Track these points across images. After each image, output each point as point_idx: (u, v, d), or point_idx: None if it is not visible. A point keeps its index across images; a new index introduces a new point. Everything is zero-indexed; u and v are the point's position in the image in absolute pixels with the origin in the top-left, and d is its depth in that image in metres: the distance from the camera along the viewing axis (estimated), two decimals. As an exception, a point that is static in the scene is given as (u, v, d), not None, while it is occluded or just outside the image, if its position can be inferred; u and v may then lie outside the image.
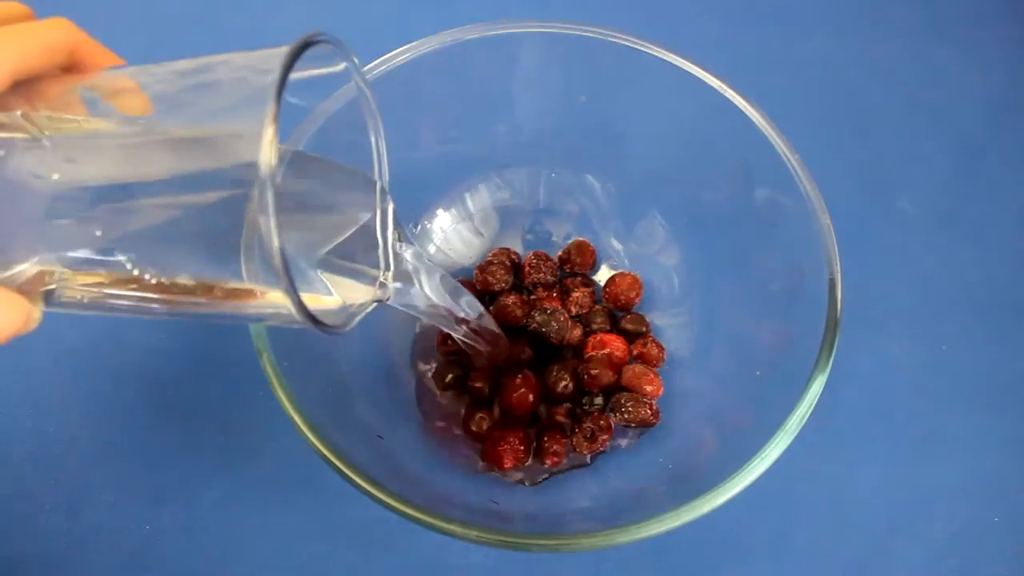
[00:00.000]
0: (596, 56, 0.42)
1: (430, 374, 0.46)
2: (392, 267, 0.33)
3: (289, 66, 0.22)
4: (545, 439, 0.43)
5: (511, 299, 0.46)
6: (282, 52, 0.23)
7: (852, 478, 0.45)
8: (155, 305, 0.25)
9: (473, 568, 0.42)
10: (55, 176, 0.24)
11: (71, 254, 0.24)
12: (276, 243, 0.21)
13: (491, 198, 0.50)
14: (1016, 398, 0.47)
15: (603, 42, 0.42)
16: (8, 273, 0.24)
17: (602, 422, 0.43)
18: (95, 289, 0.25)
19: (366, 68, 0.36)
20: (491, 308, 0.46)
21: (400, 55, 0.41)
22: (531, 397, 0.43)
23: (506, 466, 0.42)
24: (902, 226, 0.53)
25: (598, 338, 0.46)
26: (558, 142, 0.48)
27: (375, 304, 0.32)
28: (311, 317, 0.24)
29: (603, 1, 0.58)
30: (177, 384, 0.47)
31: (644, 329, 0.47)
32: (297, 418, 0.33)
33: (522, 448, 0.42)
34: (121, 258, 0.24)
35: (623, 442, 0.44)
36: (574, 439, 0.43)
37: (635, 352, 0.46)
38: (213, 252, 0.24)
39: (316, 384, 0.37)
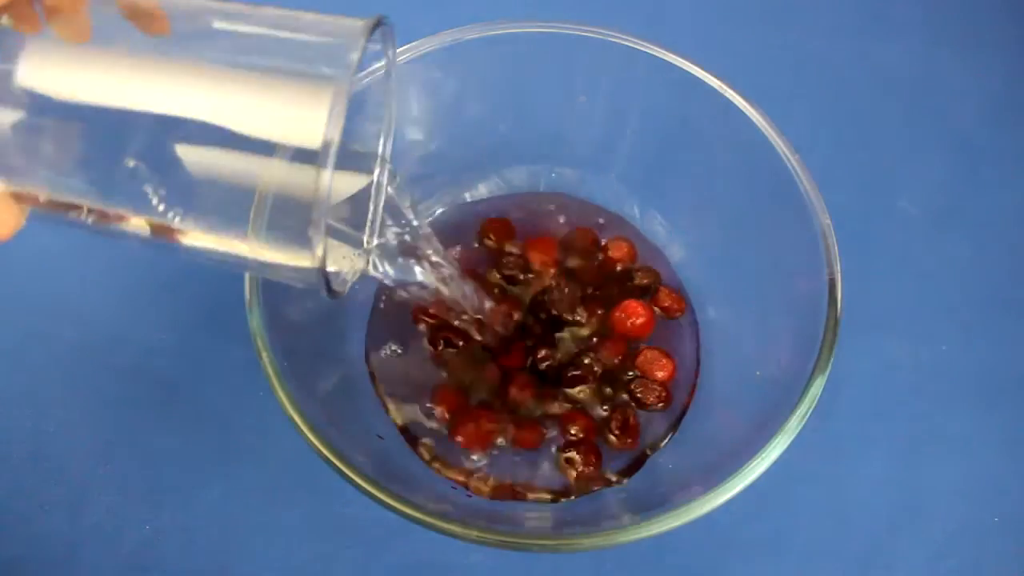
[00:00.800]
0: (596, 56, 0.42)
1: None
2: (379, 239, 0.32)
3: (363, 48, 0.22)
4: (571, 452, 0.42)
5: (504, 307, 0.46)
6: (352, 26, 0.23)
7: (852, 478, 0.45)
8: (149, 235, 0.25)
9: (473, 568, 0.42)
10: (90, 101, 0.24)
11: (84, 179, 0.25)
12: (322, 222, 0.22)
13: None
14: (1016, 398, 0.47)
15: (603, 42, 0.42)
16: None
17: (629, 411, 0.42)
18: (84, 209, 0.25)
19: (367, 69, 0.36)
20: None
21: (400, 55, 0.41)
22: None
23: (467, 445, 0.42)
24: (902, 226, 0.53)
25: (622, 308, 0.46)
26: (558, 142, 0.48)
27: (360, 271, 0.32)
28: (327, 281, 0.24)
29: (603, 1, 0.58)
30: (177, 384, 0.47)
31: (655, 280, 0.47)
32: (297, 418, 0.33)
33: (486, 434, 0.42)
34: (149, 192, 0.24)
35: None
36: (604, 434, 0.43)
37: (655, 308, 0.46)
38: (226, 200, 0.24)
39: (316, 384, 0.37)
